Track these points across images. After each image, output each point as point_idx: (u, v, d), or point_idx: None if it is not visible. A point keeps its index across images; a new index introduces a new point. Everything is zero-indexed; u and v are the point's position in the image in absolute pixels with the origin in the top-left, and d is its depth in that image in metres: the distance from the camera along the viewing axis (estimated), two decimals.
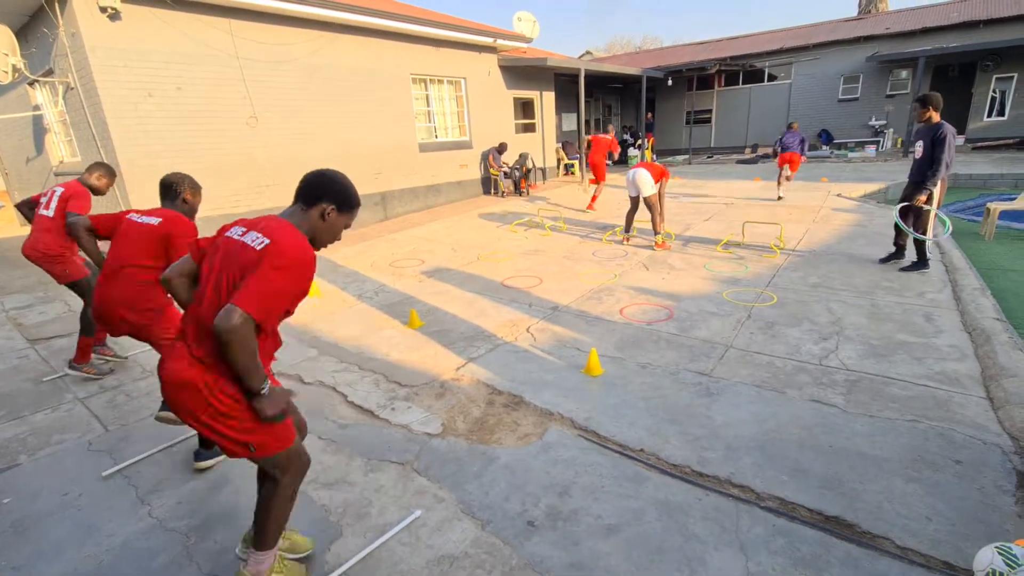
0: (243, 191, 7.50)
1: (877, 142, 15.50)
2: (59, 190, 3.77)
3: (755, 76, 17.66)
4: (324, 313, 5.00)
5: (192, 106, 6.76)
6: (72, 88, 6.40)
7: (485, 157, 11.75)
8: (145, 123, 6.37)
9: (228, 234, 1.71)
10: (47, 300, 5.74)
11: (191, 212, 2.93)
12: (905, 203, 5.00)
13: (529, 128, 13.31)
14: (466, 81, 11.02)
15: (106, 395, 3.60)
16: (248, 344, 1.51)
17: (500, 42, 11.32)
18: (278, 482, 1.82)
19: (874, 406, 2.91)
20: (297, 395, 1.94)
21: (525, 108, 13.27)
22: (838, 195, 9.14)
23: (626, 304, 4.72)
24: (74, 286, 3.84)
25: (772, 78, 17.42)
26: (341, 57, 8.49)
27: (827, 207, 8.24)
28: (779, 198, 9.13)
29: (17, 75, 6.53)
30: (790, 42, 17.16)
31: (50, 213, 3.73)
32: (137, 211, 2.88)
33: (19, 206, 3.95)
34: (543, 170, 13.76)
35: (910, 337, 3.71)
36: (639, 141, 16.19)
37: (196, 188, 2.92)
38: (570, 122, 16.03)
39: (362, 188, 9.19)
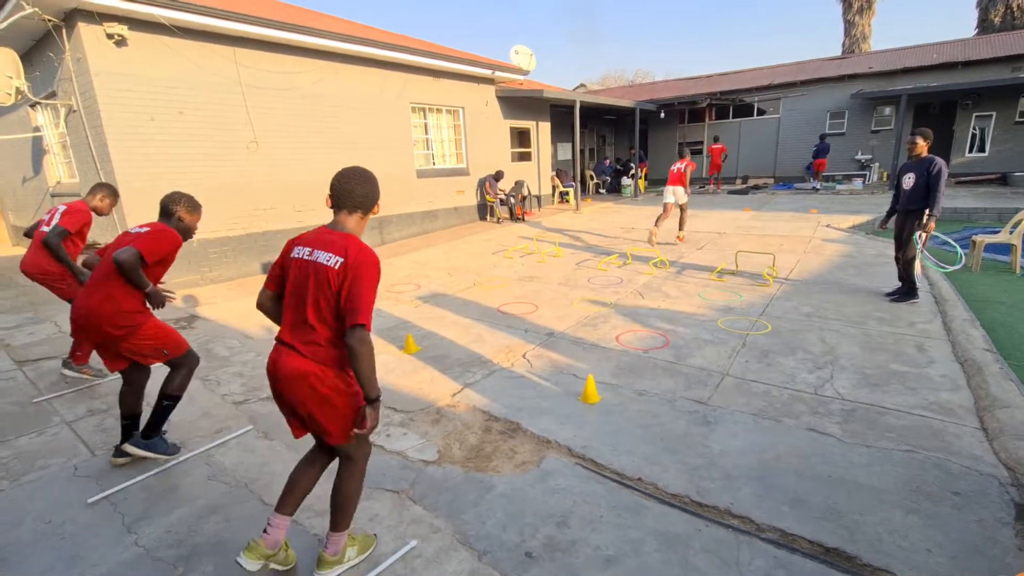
0: (241, 215, 7.52)
1: (864, 175, 15.90)
2: (61, 207, 3.82)
3: (745, 110, 18.17)
4: None
5: (194, 130, 6.84)
6: (74, 111, 6.47)
7: (482, 184, 11.91)
8: (146, 146, 6.42)
9: (296, 255, 1.95)
10: (36, 321, 5.66)
11: (187, 231, 2.94)
12: (910, 233, 5.06)
13: (525, 156, 13.54)
14: (464, 110, 11.25)
15: (94, 419, 3.53)
16: (373, 354, 1.80)
17: (498, 74, 11.62)
18: (355, 463, 2.06)
19: (870, 436, 2.91)
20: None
21: (521, 137, 13.53)
22: (827, 226, 9.32)
23: (622, 331, 4.74)
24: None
25: (761, 112, 17.92)
26: (343, 86, 8.66)
27: (817, 237, 8.39)
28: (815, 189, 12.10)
29: (20, 97, 6.60)
30: (778, 78, 17.74)
31: (48, 230, 3.76)
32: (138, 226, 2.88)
33: (28, 233, 3.98)
34: (538, 197, 13.94)
35: (903, 367, 3.74)
36: (632, 171, 16.50)
37: (193, 207, 2.93)
38: (565, 151, 16.34)
39: None
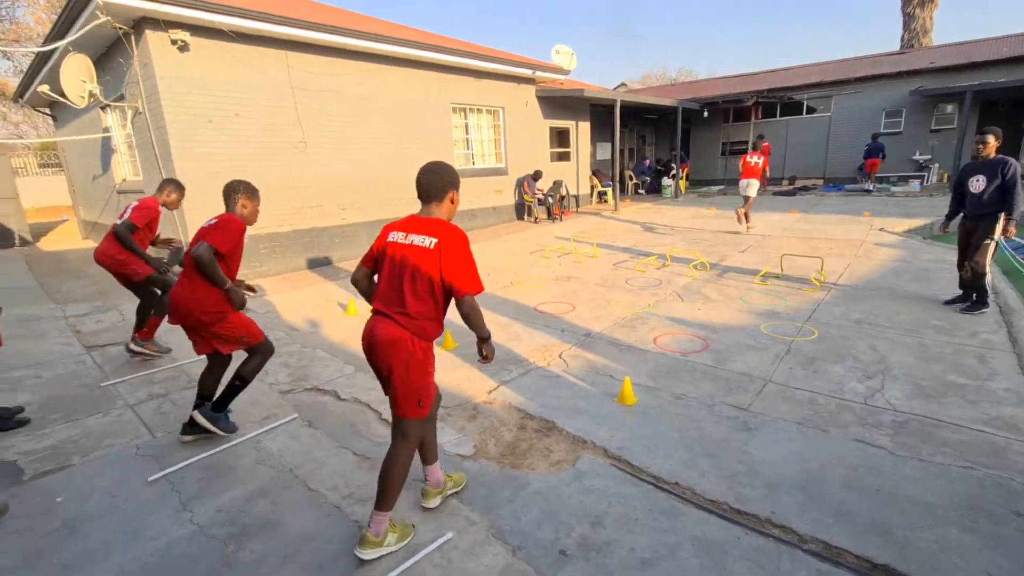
0: (289, 212, 7.82)
1: (922, 176, 15.06)
2: (134, 203, 4.17)
3: (793, 108, 17.52)
4: (359, 331, 5.11)
5: (247, 131, 7.16)
6: (140, 113, 6.88)
7: (520, 184, 11.95)
8: (204, 146, 6.77)
9: (392, 239, 2.20)
10: (104, 309, 6.06)
11: (249, 217, 3.15)
12: (986, 240, 4.72)
13: (564, 156, 13.50)
14: (504, 110, 11.32)
15: (154, 402, 3.76)
16: (479, 310, 2.19)
17: (538, 74, 11.64)
18: (408, 441, 2.22)
19: (924, 449, 2.78)
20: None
21: (560, 137, 13.49)
22: (880, 229, 8.89)
23: (660, 333, 4.67)
24: (144, 283, 4.23)
25: (811, 111, 17.24)
26: (387, 87, 8.88)
27: (869, 241, 8.02)
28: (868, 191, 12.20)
29: (92, 100, 7.08)
30: (830, 75, 17.02)
31: (120, 223, 4.15)
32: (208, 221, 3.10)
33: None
34: (576, 197, 13.88)
35: (962, 379, 3.54)
36: (673, 171, 16.19)
37: (251, 193, 3.14)
38: (604, 151, 16.19)
39: (399, 212, 9.47)
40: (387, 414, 3.46)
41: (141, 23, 6.21)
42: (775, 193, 15.48)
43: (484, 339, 2.26)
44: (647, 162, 18.40)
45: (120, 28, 6.28)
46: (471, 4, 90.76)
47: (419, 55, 8.99)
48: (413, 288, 2.11)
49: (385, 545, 2.21)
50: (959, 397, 3.30)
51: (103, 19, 5.97)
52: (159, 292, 4.38)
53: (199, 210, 6.70)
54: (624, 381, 3.51)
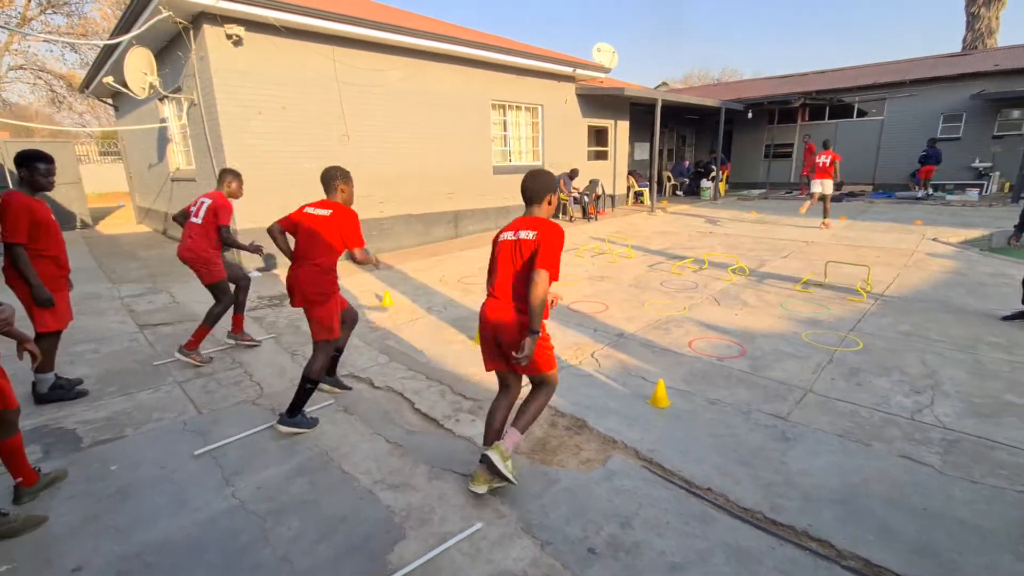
0: None
1: (981, 185, 14.25)
2: (207, 201, 4.18)
3: (843, 111, 16.84)
4: (395, 322, 5.22)
5: (294, 124, 7.39)
6: (195, 104, 7.19)
7: (556, 182, 11.85)
8: (252, 137, 7.02)
9: (504, 239, 2.59)
10: (155, 291, 6.37)
11: (348, 200, 3.38)
12: None
13: (601, 155, 13.38)
14: (543, 108, 11.31)
15: (200, 381, 3.93)
16: (546, 291, 2.36)
17: (579, 72, 11.57)
18: (547, 385, 2.61)
19: (976, 471, 2.64)
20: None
21: (599, 136, 13.38)
22: (933, 239, 8.47)
23: (695, 337, 4.59)
24: (215, 287, 4.22)
25: (862, 114, 16.53)
26: (428, 83, 8.99)
27: (921, 251, 7.65)
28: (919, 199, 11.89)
29: (152, 91, 7.44)
30: (883, 77, 16.28)
31: (199, 220, 4.17)
32: (311, 204, 3.32)
33: (176, 217, 4.48)
34: (612, 197, 13.74)
35: (1020, 399, 3.35)
36: (713, 173, 15.83)
37: (347, 179, 3.38)
38: (643, 151, 15.96)
39: (435, 207, 9.59)
40: (420, 404, 3.53)
41: (199, 18, 6.48)
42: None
43: (532, 331, 2.38)
44: (686, 163, 18.04)
45: (180, 23, 6.58)
46: (513, 1, 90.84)
47: (461, 51, 9.07)
48: (524, 275, 2.45)
49: (506, 461, 2.50)
50: (1017, 418, 3.12)
51: (165, 14, 6.26)
52: (217, 303, 4.28)
53: (247, 200, 6.96)
54: (658, 383, 3.46)
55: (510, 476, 2.47)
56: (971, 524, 2.28)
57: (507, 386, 2.70)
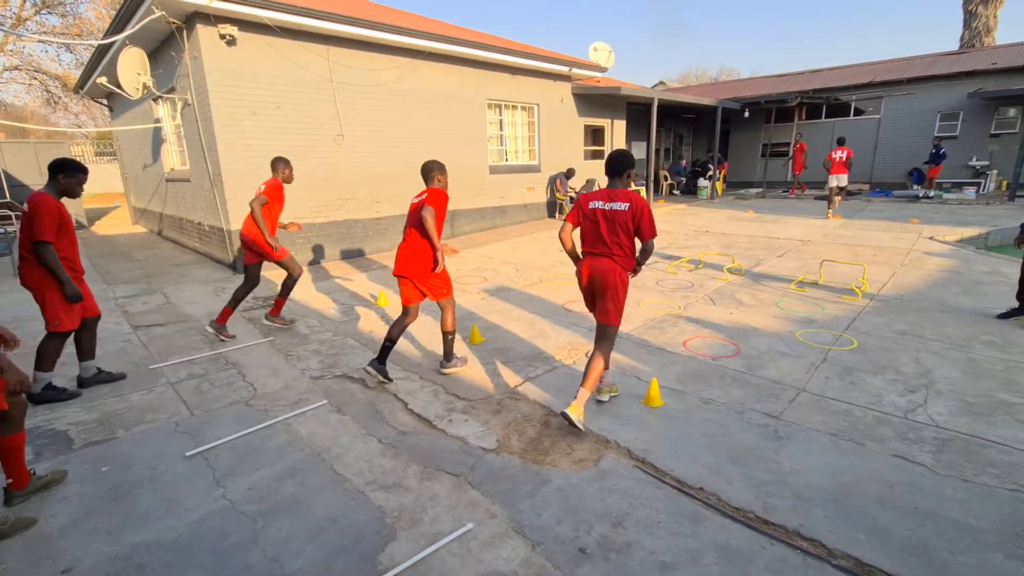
0: (327, 203, 8.02)
1: (978, 184, 14.28)
2: (261, 186, 4.78)
3: (840, 110, 16.85)
4: (389, 321, 5.20)
5: (288, 123, 7.37)
6: (189, 104, 7.17)
7: (552, 181, 11.91)
8: (247, 137, 7.00)
9: (593, 206, 3.17)
10: (150, 292, 6.35)
11: (444, 187, 3.83)
12: None
13: (598, 155, 13.38)
14: (539, 107, 11.29)
15: (193, 382, 3.92)
16: (653, 251, 3.25)
17: (575, 71, 11.55)
18: (610, 340, 3.26)
19: (969, 469, 2.64)
20: None
21: (595, 135, 13.37)
22: (930, 238, 8.47)
23: (690, 336, 4.59)
24: (281, 263, 4.89)
25: (859, 112, 16.54)
26: (424, 82, 8.98)
27: (917, 250, 7.66)
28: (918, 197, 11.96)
29: (146, 91, 7.41)
30: (881, 76, 16.29)
31: (254, 204, 4.81)
32: (417, 195, 3.80)
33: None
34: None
35: (1014, 397, 3.35)
36: (710, 172, 15.84)
37: (443, 169, 3.83)
38: (640, 150, 15.96)
39: None
40: (414, 404, 3.52)
41: (193, 18, 6.46)
42: (816, 198, 14.94)
43: (637, 271, 3.28)
44: (683, 162, 18.04)
45: (173, 22, 6.55)
46: (509, 1, 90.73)
47: (457, 51, 9.06)
48: (613, 237, 3.11)
49: (606, 391, 3.44)
50: (1010, 416, 3.13)
51: (158, 14, 6.24)
52: (289, 275, 5.00)
53: (241, 199, 6.94)
54: (651, 383, 3.46)
55: (614, 396, 3.51)
56: (963, 523, 2.28)
57: (607, 338, 3.30)
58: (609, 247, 3.12)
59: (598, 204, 3.14)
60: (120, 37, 6.95)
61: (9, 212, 9.50)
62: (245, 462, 2.89)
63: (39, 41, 20.86)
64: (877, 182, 16.18)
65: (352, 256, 8.51)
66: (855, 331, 4.61)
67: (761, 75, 24.12)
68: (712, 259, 7.53)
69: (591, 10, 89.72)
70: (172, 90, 7.70)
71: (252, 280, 4.84)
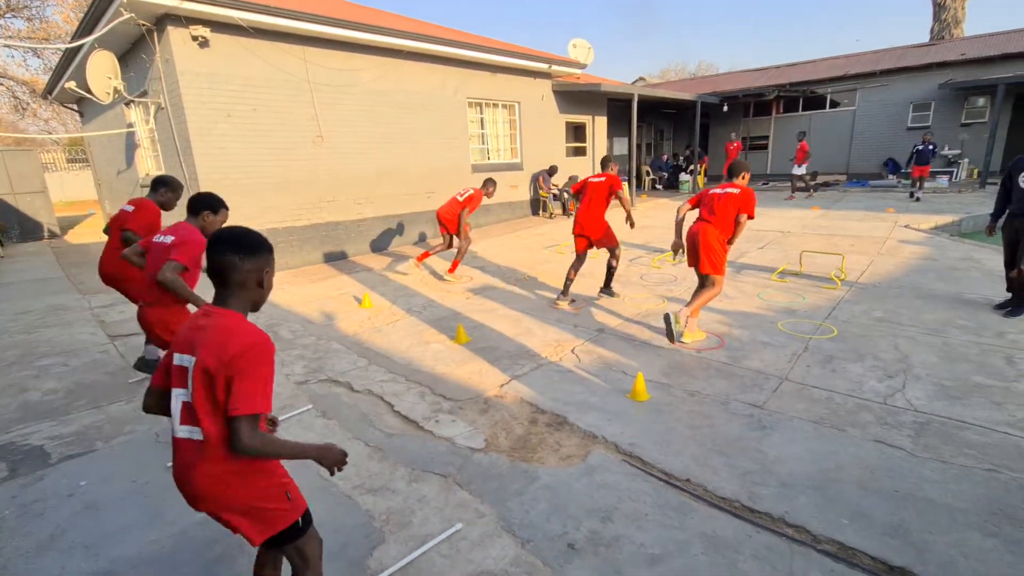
0: (307, 205, 7.91)
1: (950, 172, 14.62)
2: (467, 190, 6.57)
3: (816, 103, 17.13)
4: (374, 325, 5.16)
5: (265, 126, 7.25)
6: (162, 108, 7.02)
7: (535, 179, 11.91)
8: (223, 140, 6.87)
9: (712, 192, 4.28)
10: (127, 301, 6.19)
11: (618, 173, 5.35)
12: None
13: (580, 151, 13.41)
14: (520, 105, 11.28)
15: None
16: (744, 227, 4.25)
17: (555, 68, 11.56)
18: (715, 285, 4.31)
19: (946, 451, 2.71)
20: None
21: (577, 132, 13.40)
22: (905, 226, 8.66)
23: None
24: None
25: (834, 105, 16.83)
26: (403, 82, 8.90)
27: (893, 239, 7.82)
28: (917, 199, 11.25)
29: (117, 96, 7.23)
30: (855, 68, 16.59)
31: (460, 198, 6.46)
32: (593, 176, 5.40)
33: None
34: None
35: (988, 380, 3.44)
36: (691, 167, 15.98)
37: (615, 162, 5.55)
38: (621, 146, 16.05)
39: (416, 207, 9.51)
40: (400, 406, 3.49)
41: (163, 20, 6.32)
42: (796, 189, 15.16)
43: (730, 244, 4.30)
44: (664, 157, 18.18)
45: (143, 24, 6.40)
46: None
47: (436, 50, 9.00)
48: (723, 211, 4.17)
49: (686, 334, 4.25)
50: (984, 398, 3.21)
51: (127, 16, 6.09)
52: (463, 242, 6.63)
53: None
54: (637, 377, 3.48)
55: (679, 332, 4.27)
56: (941, 503, 2.33)
57: (713, 284, 4.31)
58: (716, 219, 4.18)
59: (716, 191, 4.28)
60: (88, 40, 6.78)
61: None
62: None
63: (4, 46, 20.27)
64: (854, 173, 16.48)
65: (335, 259, 8.42)
66: (835, 320, 4.69)
67: (739, 69, 24.40)
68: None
69: (570, 7, 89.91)
70: (144, 94, 7.53)
71: None
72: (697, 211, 4.45)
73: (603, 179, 5.22)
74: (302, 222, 7.91)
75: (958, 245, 7.29)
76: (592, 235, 5.23)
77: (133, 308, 5.84)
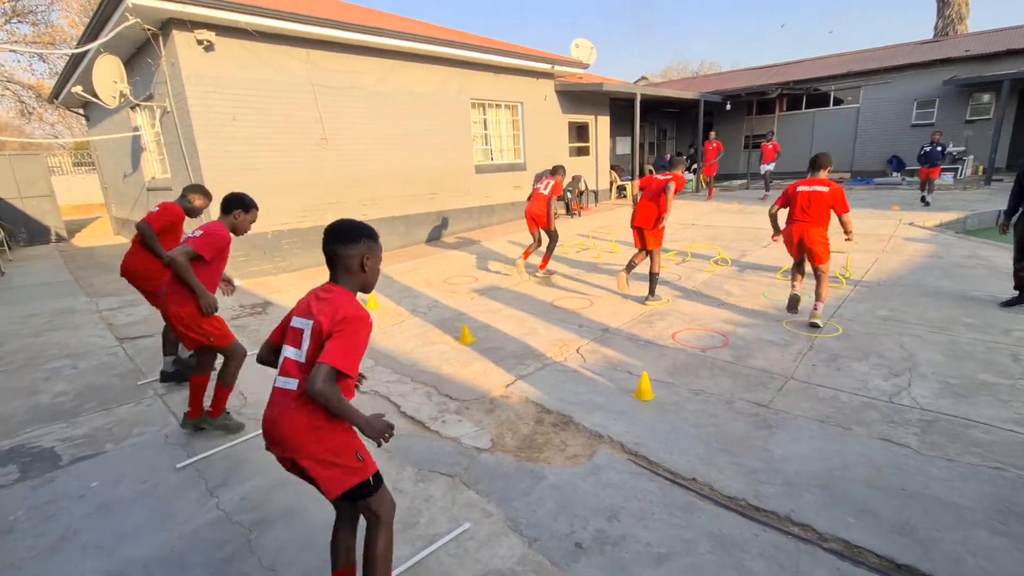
0: (311, 207, 7.95)
1: (955, 169, 14.55)
2: (547, 181, 6.71)
3: (820, 100, 17.08)
4: (380, 325, 5.18)
5: (270, 128, 7.29)
6: (168, 112, 7.07)
7: (539, 179, 11.91)
8: (228, 143, 6.92)
9: (801, 190, 4.57)
10: (135, 303, 6.26)
11: (682, 172, 5.74)
12: None
13: (583, 151, 13.41)
14: (523, 106, 11.30)
15: (183, 393, 3.87)
16: (850, 220, 4.65)
17: (558, 68, 11.57)
18: (825, 273, 4.62)
19: (952, 449, 2.70)
20: None
21: (580, 131, 13.41)
22: (910, 224, 8.63)
23: (679, 329, 4.63)
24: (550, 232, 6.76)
25: (838, 102, 16.78)
26: (406, 83, 8.94)
27: (898, 236, 7.79)
28: (927, 203, 10.36)
29: (123, 100, 7.29)
30: (858, 65, 16.53)
31: (545, 191, 6.70)
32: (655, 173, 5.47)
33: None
34: (596, 192, 13.79)
35: (994, 377, 3.43)
36: (694, 166, 15.95)
37: (562, 169, 6.45)
38: (624, 145, 16.04)
39: (418, 208, 9.54)
40: (406, 406, 3.51)
41: (168, 24, 6.37)
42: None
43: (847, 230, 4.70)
44: (668, 156, 18.14)
45: (148, 29, 6.45)
46: (490, 0, 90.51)
47: (439, 51, 9.03)
48: (817, 208, 4.50)
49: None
50: (991, 396, 3.20)
51: (132, 21, 6.14)
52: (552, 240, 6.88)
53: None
54: (642, 376, 3.49)
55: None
56: (947, 501, 2.33)
57: (801, 271, 4.82)
58: (813, 217, 4.51)
59: (803, 188, 4.56)
60: (94, 45, 6.84)
61: None
62: (238, 472, 2.86)
63: (10, 51, 20.43)
64: (857, 170, 16.42)
65: None
66: (840, 318, 4.68)
67: (742, 68, 24.34)
68: (699, 251, 7.60)
69: (572, 7, 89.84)
70: (150, 98, 7.59)
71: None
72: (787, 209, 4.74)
73: (668, 177, 5.43)
74: (307, 224, 7.94)
75: (964, 242, 7.26)
76: (644, 227, 5.43)
77: (141, 311, 5.92)
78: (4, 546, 2.37)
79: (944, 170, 14.53)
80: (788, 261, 6.83)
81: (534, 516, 2.40)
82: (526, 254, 6.90)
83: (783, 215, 4.76)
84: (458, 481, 2.69)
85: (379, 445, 1.64)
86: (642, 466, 2.75)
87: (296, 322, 1.72)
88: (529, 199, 6.85)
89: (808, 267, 4.76)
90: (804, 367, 3.76)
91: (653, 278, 5.38)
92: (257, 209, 3.23)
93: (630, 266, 5.67)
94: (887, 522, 2.23)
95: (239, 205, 3.13)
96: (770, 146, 12.99)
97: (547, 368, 4.01)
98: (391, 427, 1.67)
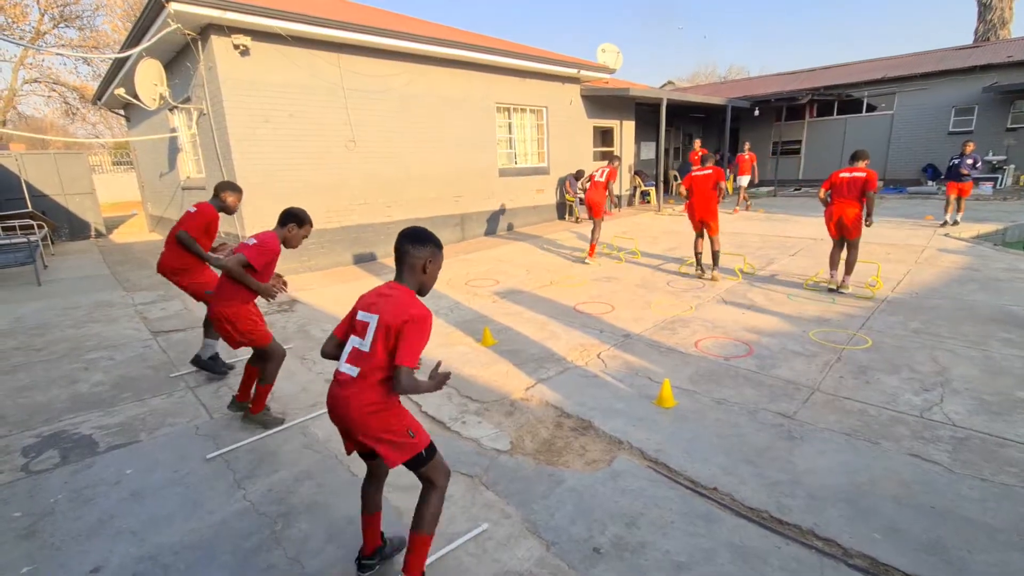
0: (337, 208, 8.11)
1: (995, 179, 14.04)
2: (603, 169, 7.66)
3: (852, 106, 16.67)
4: None
5: (300, 130, 7.47)
6: (204, 114, 7.31)
7: (562, 183, 11.93)
8: (260, 145, 7.12)
9: (843, 176, 5.50)
10: (168, 298, 6.48)
11: (719, 170, 6.49)
12: None
13: (607, 156, 13.35)
14: (547, 110, 11.33)
15: (212, 386, 4.00)
16: (874, 201, 5.56)
17: (584, 73, 11.56)
18: (855, 248, 5.72)
19: (986, 468, 2.62)
20: None
21: (604, 136, 13.37)
22: (945, 235, 8.36)
23: (701, 337, 4.58)
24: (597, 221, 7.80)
25: (871, 109, 16.35)
26: (433, 87, 9.05)
27: (932, 247, 7.56)
28: (955, 223, 9.05)
29: (162, 102, 7.56)
30: (893, 71, 16.09)
31: (600, 178, 7.67)
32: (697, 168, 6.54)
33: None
34: (619, 197, 13.71)
35: None
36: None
37: (617, 159, 7.24)
38: (649, 150, 15.92)
39: (442, 210, 9.64)
40: (427, 406, 3.56)
41: (207, 29, 6.59)
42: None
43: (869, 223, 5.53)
44: (693, 157, 17.93)
45: (188, 34, 6.69)
46: (517, 4, 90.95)
47: (465, 56, 9.12)
48: (855, 192, 5.39)
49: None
50: None
51: (174, 26, 6.37)
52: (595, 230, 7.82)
53: (256, 206, 7.06)
54: (664, 383, 3.47)
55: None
56: (980, 522, 2.26)
57: (841, 246, 5.68)
58: (850, 200, 5.43)
59: (844, 175, 5.47)
60: (137, 50, 7.12)
61: (31, 222, 9.73)
62: (264, 464, 2.95)
63: (57, 54, 21.36)
64: (891, 179, 15.97)
65: (364, 260, 8.60)
66: (869, 330, 4.57)
67: (771, 73, 23.93)
68: (724, 259, 7.49)
69: (599, 12, 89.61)
70: (188, 100, 7.85)
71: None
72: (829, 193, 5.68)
73: (709, 171, 6.41)
74: (333, 224, 8.10)
75: (1003, 255, 7.01)
76: (704, 217, 6.40)
77: (174, 306, 6.13)
78: (45, 528, 2.48)
79: (981, 179, 14.07)
80: (813, 271, 6.74)
81: (552, 519, 2.41)
82: (592, 247, 7.70)
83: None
84: (477, 482, 2.71)
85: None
86: (662, 473, 2.74)
87: (362, 316, 1.95)
88: (584, 190, 7.61)
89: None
90: (831, 379, 3.68)
91: (716, 256, 6.41)
92: (311, 225, 3.31)
93: (699, 258, 6.60)
94: (915, 540, 2.18)
95: (294, 219, 3.21)
96: (746, 156, 12.53)
97: (567, 372, 4.01)
98: (447, 375, 1.96)
